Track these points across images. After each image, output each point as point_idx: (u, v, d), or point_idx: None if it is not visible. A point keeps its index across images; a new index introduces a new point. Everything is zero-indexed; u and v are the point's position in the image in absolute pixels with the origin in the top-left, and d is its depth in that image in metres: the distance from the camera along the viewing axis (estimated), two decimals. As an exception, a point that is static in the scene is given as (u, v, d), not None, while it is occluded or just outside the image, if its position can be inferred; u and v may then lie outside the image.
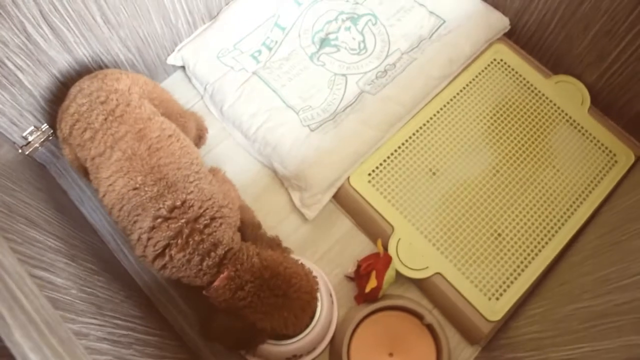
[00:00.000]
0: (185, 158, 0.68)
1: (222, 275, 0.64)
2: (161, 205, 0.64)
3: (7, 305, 0.31)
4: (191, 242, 0.63)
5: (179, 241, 0.63)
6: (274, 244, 0.78)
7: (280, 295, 0.65)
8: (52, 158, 0.94)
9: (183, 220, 0.63)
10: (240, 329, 0.67)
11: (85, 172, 0.73)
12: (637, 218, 0.68)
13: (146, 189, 0.64)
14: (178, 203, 0.64)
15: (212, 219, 0.66)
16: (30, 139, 0.87)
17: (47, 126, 0.88)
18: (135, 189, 0.64)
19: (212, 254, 0.64)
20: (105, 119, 0.67)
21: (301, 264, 0.70)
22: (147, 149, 0.66)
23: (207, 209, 0.66)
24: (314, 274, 0.71)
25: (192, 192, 0.66)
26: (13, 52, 0.73)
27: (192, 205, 0.65)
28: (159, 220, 0.63)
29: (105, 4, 0.79)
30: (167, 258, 0.64)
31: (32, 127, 0.86)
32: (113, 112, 0.68)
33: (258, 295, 0.64)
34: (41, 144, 0.89)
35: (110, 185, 0.65)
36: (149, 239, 0.64)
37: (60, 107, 0.73)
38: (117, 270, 0.83)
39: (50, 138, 0.89)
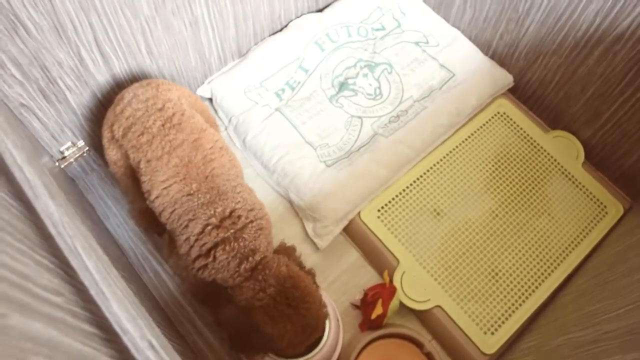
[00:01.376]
0: (233, 170, 0.75)
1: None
2: (212, 213, 0.70)
3: (106, 282, 0.36)
4: (236, 247, 0.69)
5: (227, 247, 0.69)
6: (304, 268, 0.82)
7: (292, 306, 0.70)
8: (82, 174, 1.00)
9: (232, 231, 0.70)
10: (243, 323, 0.72)
11: (128, 174, 0.79)
12: (623, 262, 0.75)
13: (199, 195, 0.70)
14: (227, 212, 0.71)
15: (254, 229, 0.72)
16: (66, 153, 0.93)
17: (83, 143, 0.94)
18: (189, 194, 0.71)
19: (250, 259, 0.70)
20: (163, 125, 0.73)
21: (321, 295, 0.75)
22: (202, 158, 0.72)
23: (251, 220, 0.72)
24: (324, 299, 0.77)
25: (239, 202, 0.72)
26: (65, 73, 0.80)
27: (240, 216, 0.71)
28: (210, 227, 0.69)
29: (151, 37, 0.87)
30: (210, 259, 0.70)
31: (70, 143, 0.92)
32: (170, 119, 0.74)
33: (274, 299, 0.69)
34: (75, 160, 0.95)
35: (165, 188, 0.71)
36: (196, 240, 0.70)
37: (111, 111, 0.78)
38: (139, 283, 0.88)
39: (84, 154, 0.95)
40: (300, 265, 0.82)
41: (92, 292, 0.36)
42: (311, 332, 0.72)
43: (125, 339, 0.34)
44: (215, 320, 0.82)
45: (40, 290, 0.31)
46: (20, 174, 0.40)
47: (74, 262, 0.37)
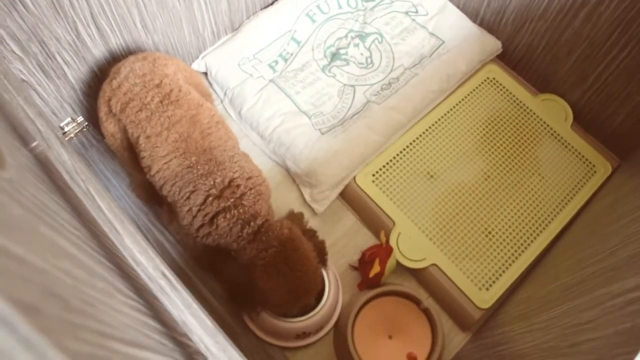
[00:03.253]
0: (229, 142, 0.77)
1: None
2: (212, 184, 0.72)
3: (118, 219, 0.39)
4: (236, 214, 0.72)
5: (227, 215, 0.72)
6: (313, 235, 0.84)
7: (289, 265, 0.73)
8: (82, 149, 1.02)
9: (232, 200, 0.72)
10: (242, 279, 0.75)
11: (125, 146, 0.81)
12: (610, 213, 0.78)
13: (199, 167, 0.73)
14: (226, 182, 0.73)
15: (252, 195, 0.75)
16: (66, 129, 0.95)
17: (82, 118, 0.96)
18: (189, 167, 0.73)
19: (252, 223, 0.73)
20: (161, 102, 0.75)
21: (319, 264, 0.78)
22: (200, 133, 0.75)
23: (250, 188, 0.75)
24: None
25: (236, 171, 0.75)
26: (63, 48, 0.82)
27: (239, 185, 0.74)
28: (211, 198, 0.72)
29: (145, 11, 0.88)
30: (213, 227, 0.73)
31: (69, 119, 0.94)
32: (168, 96, 0.75)
33: (274, 258, 0.72)
34: (75, 135, 0.96)
35: (166, 163, 0.73)
36: (199, 210, 0.72)
37: (107, 84, 0.79)
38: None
39: (84, 130, 0.97)
40: (308, 232, 0.84)
41: (106, 229, 0.39)
42: (303, 293, 0.75)
43: (138, 270, 0.37)
44: (217, 277, 0.85)
45: (62, 221, 0.33)
46: (32, 126, 0.43)
47: (87, 204, 0.39)
